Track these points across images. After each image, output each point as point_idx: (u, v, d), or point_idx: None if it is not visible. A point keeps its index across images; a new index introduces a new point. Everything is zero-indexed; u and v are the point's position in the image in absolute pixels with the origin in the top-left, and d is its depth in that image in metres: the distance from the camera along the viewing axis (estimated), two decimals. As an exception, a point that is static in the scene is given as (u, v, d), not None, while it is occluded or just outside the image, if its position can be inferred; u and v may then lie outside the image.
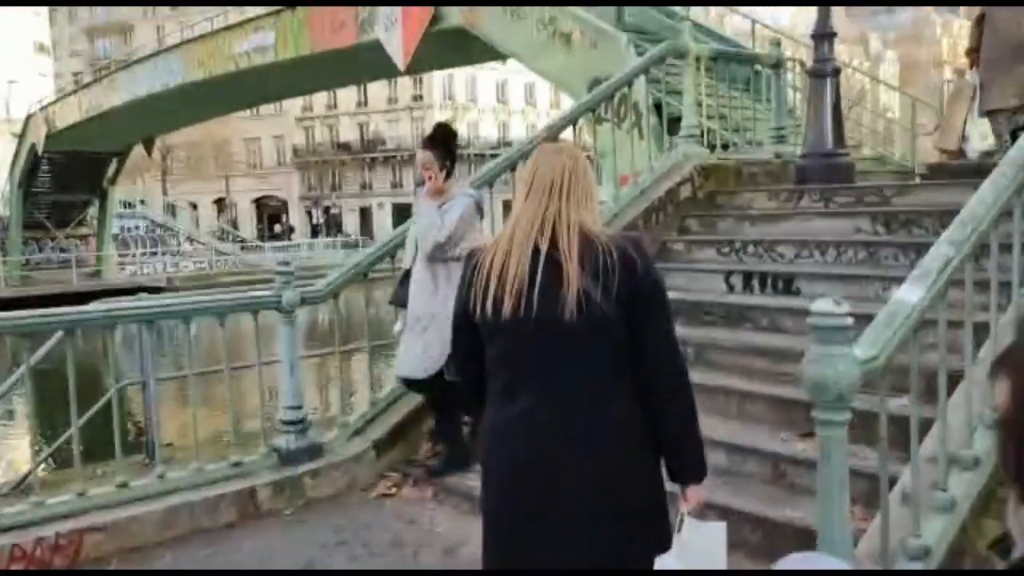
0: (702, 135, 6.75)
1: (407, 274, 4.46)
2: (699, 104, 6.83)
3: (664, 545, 1.94)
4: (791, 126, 7.68)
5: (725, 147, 7.39)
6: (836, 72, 6.57)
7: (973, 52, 5.05)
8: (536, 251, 1.93)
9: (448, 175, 4.20)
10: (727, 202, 6.31)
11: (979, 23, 5.11)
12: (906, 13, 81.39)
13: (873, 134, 10.85)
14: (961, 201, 5.45)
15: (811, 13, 6.27)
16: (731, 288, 5.26)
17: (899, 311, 2.45)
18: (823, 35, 6.60)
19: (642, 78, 6.74)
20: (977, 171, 4.55)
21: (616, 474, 1.92)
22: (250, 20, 19.42)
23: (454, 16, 11.96)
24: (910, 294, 2.47)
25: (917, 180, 7.63)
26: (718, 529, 2.01)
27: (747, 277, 5.21)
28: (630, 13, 11.82)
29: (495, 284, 1.93)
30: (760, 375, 4.27)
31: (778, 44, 7.21)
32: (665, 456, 2.00)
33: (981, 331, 3.03)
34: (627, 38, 9.69)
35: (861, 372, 2.23)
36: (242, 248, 40.68)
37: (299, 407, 4.38)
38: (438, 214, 4.14)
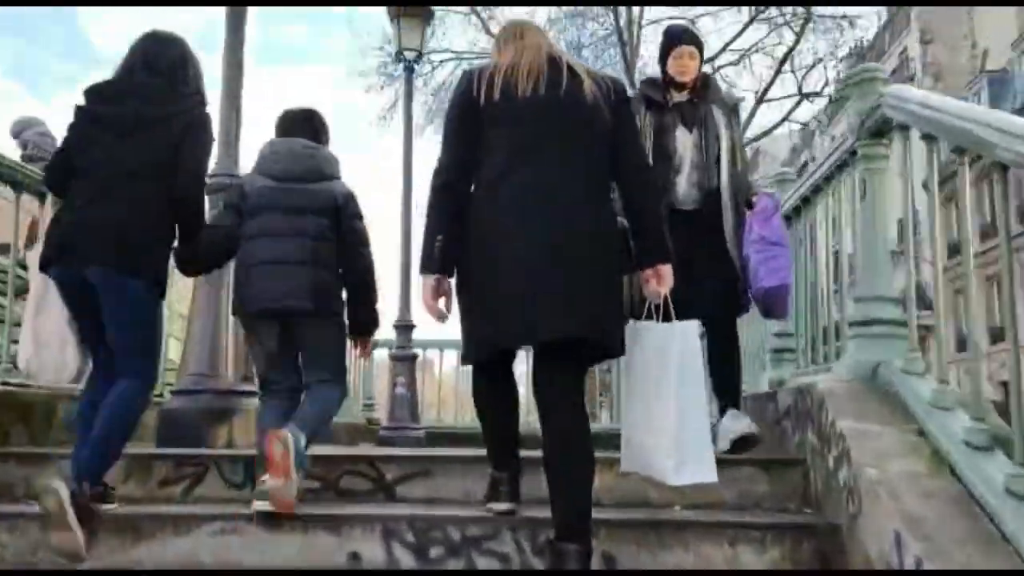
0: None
1: None
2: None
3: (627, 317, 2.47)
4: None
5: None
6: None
7: None
8: (544, 56, 2.42)
9: None
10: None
11: None
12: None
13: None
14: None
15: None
16: None
17: None
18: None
19: None
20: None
21: (606, 246, 2.31)
22: None
23: None
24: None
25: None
26: (692, 327, 2.44)
27: None
28: None
29: (507, 74, 2.33)
30: None
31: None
32: (638, 241, 2.38)
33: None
34: None
35: None
36: None
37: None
38: None
